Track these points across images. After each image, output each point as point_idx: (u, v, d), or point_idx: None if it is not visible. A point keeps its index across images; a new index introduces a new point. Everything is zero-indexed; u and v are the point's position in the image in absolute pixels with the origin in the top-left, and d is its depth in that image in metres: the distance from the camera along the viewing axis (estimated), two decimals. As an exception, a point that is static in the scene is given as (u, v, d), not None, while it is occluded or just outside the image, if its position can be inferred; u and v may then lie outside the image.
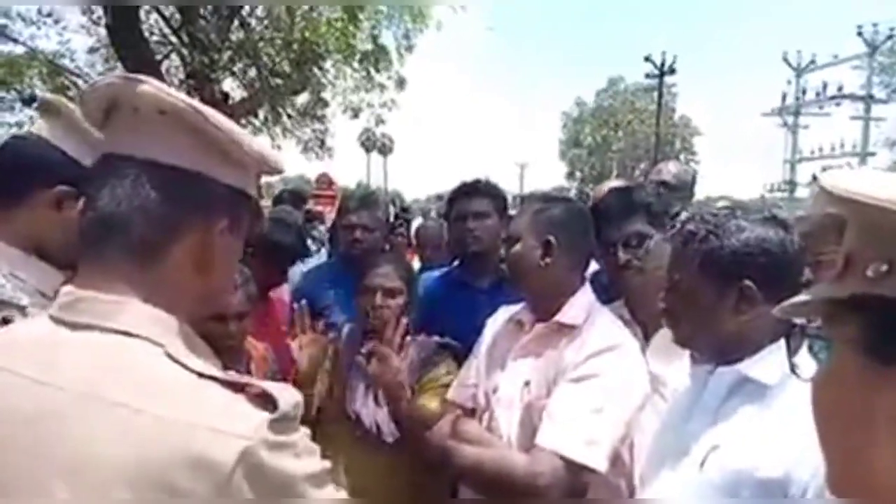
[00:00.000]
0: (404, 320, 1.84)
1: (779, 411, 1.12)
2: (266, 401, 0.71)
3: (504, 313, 1.82)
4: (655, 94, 27.41)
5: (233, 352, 1.87)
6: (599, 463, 1.44)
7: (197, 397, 0.71)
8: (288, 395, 0.73)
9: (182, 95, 0.80)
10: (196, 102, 0.81)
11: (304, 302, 2.07)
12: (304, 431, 0.76)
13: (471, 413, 1.72)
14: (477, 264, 2.39)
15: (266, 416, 0.70)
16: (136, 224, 0.78)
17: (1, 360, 0.76)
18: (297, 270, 3.33)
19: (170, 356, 0.74)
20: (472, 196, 2.41)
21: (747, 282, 1.18)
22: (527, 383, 1.61)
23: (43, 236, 1.27)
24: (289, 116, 12.64)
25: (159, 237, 0.79)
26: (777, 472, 1.05)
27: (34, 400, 0.72)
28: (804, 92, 25.10)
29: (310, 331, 2.01)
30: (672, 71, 25.58)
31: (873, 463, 0.54)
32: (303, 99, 12.47)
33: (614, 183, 2.82)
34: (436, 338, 2.05)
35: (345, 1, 9.90)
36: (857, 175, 0.55)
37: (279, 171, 0.93)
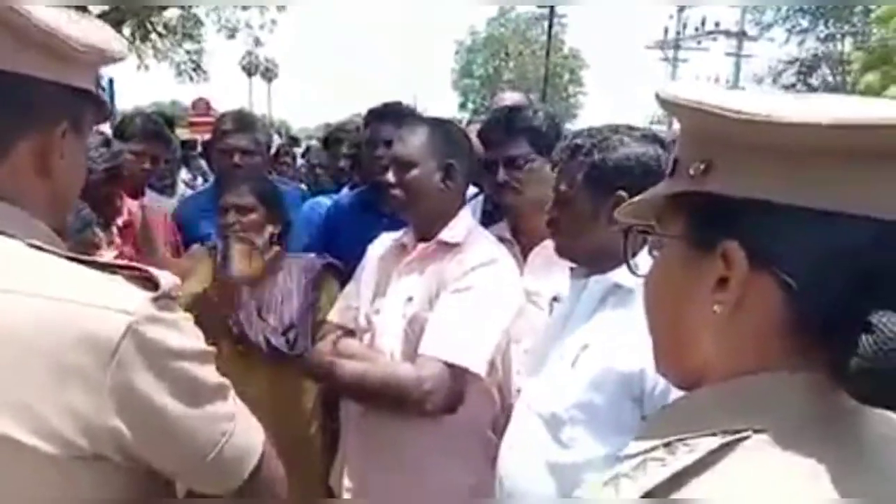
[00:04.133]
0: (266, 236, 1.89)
1: (639, 311, 1.17)
2: (146, 281, 0.73)
3: (386, 238, 1.82)
4: (545, 24, 27.55)
5: None
6: (479, 367, 1.52)
7: (73, 278, 0.72)
8: (167, 277, 0.74)
9: None
10: None
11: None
12: (186, 315, 0.77)
13: (351, 334, 1.73)
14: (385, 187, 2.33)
15: (148, 294, 0.72)
16: None
17: None
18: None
19: (33, 246, 0.73)
20: (384, 121, 2.31)
21: (621, 192, 1.23)
22: (410, 298, 1.63)
23: None
24: (159, 35, 11.60)
25: None
26: (634, 366, 1.15)
27: None
28: (685, 26, 26.19)
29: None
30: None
31: (691, 345, 0.61)
32: (173, 14, 11.45)
33: (509, 99, 2.82)
34: (314, 255, 2.07)
35: None
36: (686, 85, 0.61)
37: (121, 58, 0.87)
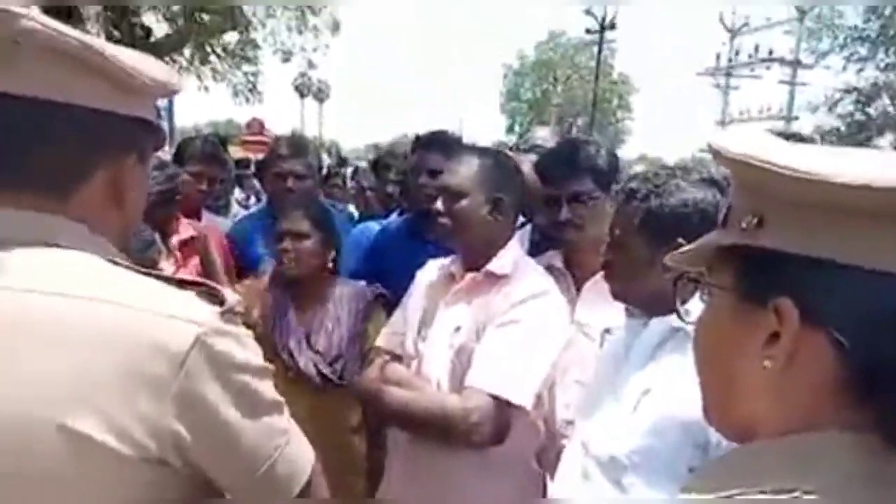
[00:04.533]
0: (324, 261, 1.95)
1: None
2: (213, 296, 0.78)
3: (434, 265, 1.84)
4: (595, 49, 27.49)
5: None
6: (525, 400, 1.52)
7: (149, 291, 0.77)
8: (231, 294, 0.80)
9: (66, 28, 0.77)
10: (83, 35, 0.78)
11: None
12: (248, 331, 0.82)
13: (398, 360, 1.75)
14: (428, 217, 2.35)
15: (216, 308, 0.77)
16: (41, 167, 0.79)
17: None
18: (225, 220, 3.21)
19: (112, 262, 0.79)
20: (430, 150, 2.33)
21: (681, 240, 1.21)
22: (457, 329, 1.65)
23: None
24: (218, 57, 12.02)
25: (66, 176, 0.80)
26: (696, 414, 1.09)
27: None
28: (737, 53, 25.77)
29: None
30: (612, 26, 25.67)
31: (740, 397, 0.61)
32: (232, 38, 11.88)
33: (547, 136, 2.84)
34: (364, 284, 2.09)
35: None
36: (740, 134, 0.61)
37: (179, 91, 0.93)
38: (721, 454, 0.67)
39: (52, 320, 0.73)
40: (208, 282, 0.81)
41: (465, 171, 1.68)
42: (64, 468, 0.72)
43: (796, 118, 23.76)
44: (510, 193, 1.68)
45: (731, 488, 0.55)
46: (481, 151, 1.80)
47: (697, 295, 0.89)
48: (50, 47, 0.75)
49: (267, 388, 0.82)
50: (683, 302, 0.82)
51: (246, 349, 0.80)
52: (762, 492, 0.53)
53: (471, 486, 1.58)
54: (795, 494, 0.52)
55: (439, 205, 1.69)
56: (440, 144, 2.34)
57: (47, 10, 0.79)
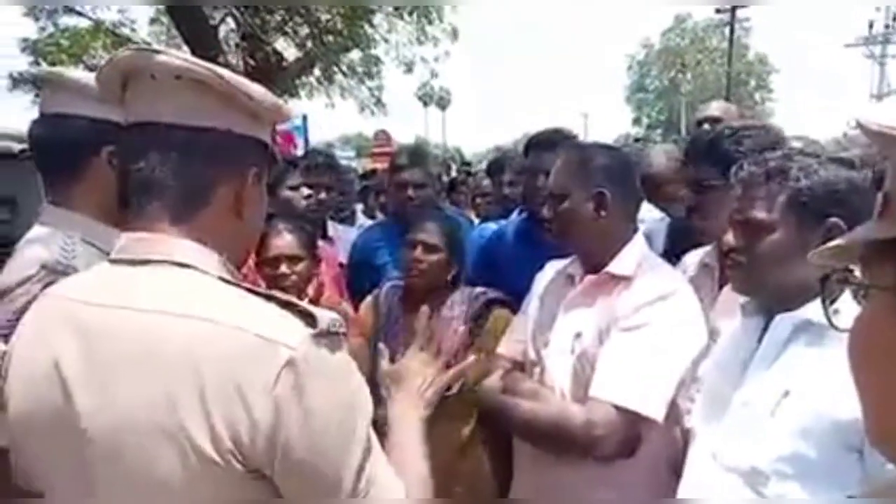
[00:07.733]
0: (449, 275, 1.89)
1: (841, 351, 1.06)
2: (309, 318, 0.80)
3: (552, 268, 1.78)
4: (727, 29, 25.83)
5: (292, 293, 1.87)
6: (656, 412, 1.43)
7: (252, 310, 0.81)
8: (326, 313, 0.81)
9: (196, 59, 0.86)
10: (210, 64, 0.87)
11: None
12: (342, 355, 0.82)
13: (520, 367, 1.70)
14: (541, 220, 2.29)
15: (310, 331, 0.79)
16: (174, 185, 0.86)
17: (73, 294, 0.88)
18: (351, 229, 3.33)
19: (222, 279, 0.85)
20: (546, 150, 2.27)
21: (835, 219, 1.13)
22: (578, 334, 1.58)
23: (105, 196, 1.36)
24: (343, 74, 12.62)
25: (196, 192, 0.87)
26: (849, 414, 1.01)
27: (111, 321, 0.82)
28: (895, 18, 23.20)
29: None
30: (745, 3, 24.01)
31: None
32: (356, 56, 12.42)
33: (716, 110, 2.71)
34: (480, 289, 2.03)
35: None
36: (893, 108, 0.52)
37: (290, 118, 1.01)
38: (887, 472, 0.58)
39: (157, 338, 0.79)
40: (301, 303, 0.83)
41: (565, 171, 1.64)
42: (163, 470, 0.77)
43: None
44: (617, 188, 1.59)
45: None
46: (585, 148, 1.73)
47: (847, 293, 0.78)
48: (181, 76, 0.85)
49: (353, 421, 0.81)
50: (832, 302, 0.73)
51: (332, 380, 0.80)
52: None
53: (599, 500, 1.52)
54: None
55: (546, 209, 1.66)
56: (553, 144, 2.27)
57: (194, 44, 0.87)
